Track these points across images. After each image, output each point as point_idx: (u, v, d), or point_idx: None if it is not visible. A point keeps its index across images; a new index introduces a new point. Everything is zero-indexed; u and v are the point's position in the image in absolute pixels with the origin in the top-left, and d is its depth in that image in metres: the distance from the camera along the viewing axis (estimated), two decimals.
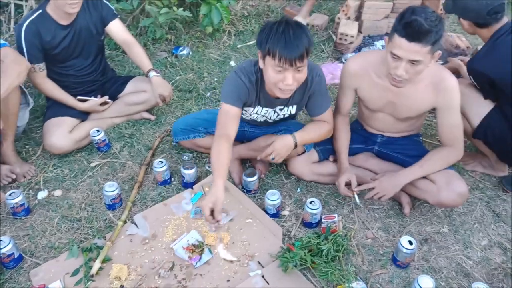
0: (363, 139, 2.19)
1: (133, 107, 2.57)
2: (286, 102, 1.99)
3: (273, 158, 1.98)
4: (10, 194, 1.98)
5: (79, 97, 2.43)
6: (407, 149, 2.10)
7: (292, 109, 2.05)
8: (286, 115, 2.08)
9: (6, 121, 2.09)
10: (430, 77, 1.85)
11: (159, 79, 2.47)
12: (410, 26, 1.63)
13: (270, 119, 2.09)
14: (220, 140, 1.84)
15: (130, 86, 2.57)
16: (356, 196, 1.99)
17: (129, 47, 2.49)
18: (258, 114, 2.05)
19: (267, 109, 2.02)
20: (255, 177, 2.11)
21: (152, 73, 2.45)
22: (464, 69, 2.27)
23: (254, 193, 2.16)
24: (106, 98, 2.49)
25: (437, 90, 1.85)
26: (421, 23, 1.61)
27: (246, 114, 2.07)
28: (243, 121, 2.17)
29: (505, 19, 2.00)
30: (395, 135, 2.13)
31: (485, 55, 2.01)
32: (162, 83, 2.47)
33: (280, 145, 1.95)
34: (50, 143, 2.26)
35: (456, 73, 2.25)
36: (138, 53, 2.48)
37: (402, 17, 1.68)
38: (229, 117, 1.88)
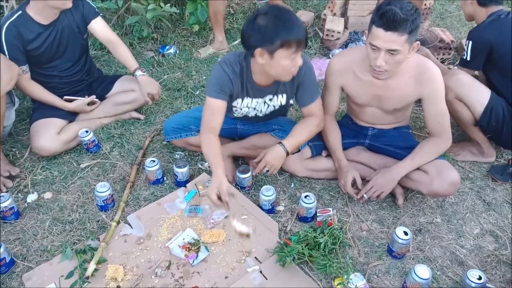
0: (354, 133, 2.21)
1: (121, 106, 2.53)
2: (275, 91, 1.98)
3: (268, 171, 1.98)
4: None
5: (66, 97, 2.38)
6: (397, 141, 2.13)
7: (282, 99, 2.02)
8: (277, 107, 2.05)
9: None
10: (413, 68, 1.90)
11: (146, 78, 2.44)
12: (386, 15, 1.69)
13: (261, 112, 2.07)
14: (206, 134, 1.87)
15: (117, 86, 2.53)
16: (364, 194, 2.00)
17: (113, 46, 2.45)
18: (248, 108, 2.03)
19: (257, 100, 2.00)
20: (249, 174, 2.11)
21: (139, 72, 2.43)
22: (432, 57, 2.41)
23: (248, 190, 2.15)
24: (93, 97, 2.45)
25: (421, 81, 1.90)
26: (395, 12, 1.67)
27: (236, 109, 2.05)
28: (235, 119, 2.17)
29: (500, 6, 2.19)
30: (385, 127, 2.16)
31: (490, 25, 2.16)
32: (149, 81, 2.45)
33: (271, 157, 1.94)
34: (38, 146, 2.22)
35: None
36: (123, 52, 2.45)
37: (378, 8, 1.74)
38: (214, 111, 1.89)
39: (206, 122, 1.90)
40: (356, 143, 2.21)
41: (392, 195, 2.08)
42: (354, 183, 2.02)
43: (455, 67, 2.33)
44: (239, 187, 2.14)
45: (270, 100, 2.02)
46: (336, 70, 2.03)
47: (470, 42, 2.20)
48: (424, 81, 1.90)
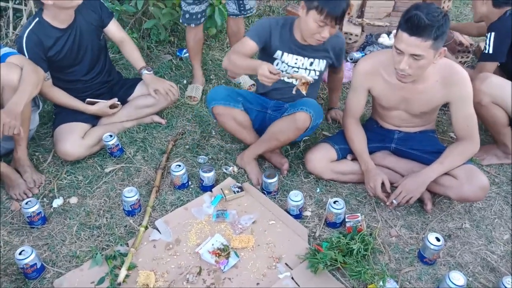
0: (380, 137, 2.20)
1: (143, 110, 2.53)
2: (316, 55, 2.15)
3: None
4: (26, 203, 1.93)
5: (88, 100, 2.38)
6: (424, 145, 2.12)
7: (322, 64, 2.19)
8: (317, 73, 2.19)
9: (21, 126, 2.03)
10: (440, 71, 1.91)
11: (151, 77, 2.46)
12: (411, 20, 1.70)
13: (303, 67, 2.16)
14: (234, 55, 2.04)
15: (138, 89, 2.53)
16: (394, 199, 1.98)
17: (123, 45, 2.48)
18: (288, 66, 2.14)
19: (297, 57, 2.14)
20: (275, 178, 2.10)
21: (144, 71, 2.45)
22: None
23: (274, 195, 2.14)
24: (115, 100, 2.44)
25: (449, 84, 1.90)
26: (421, 18, 1.68)
27: (278, 63, 2.14)
28: (266, 98, 2.24)
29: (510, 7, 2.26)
30: (412, 130, 2.15)
31: (511, 16, 2.21)
32: (155, 79, 2.46)
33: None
34: (63, 150, 2.21)
35: None
36: (131, 51, 2.49)
37: (406, 12, 1.75)
38: (244, 46, 2.07)
39: (235, 48, 2.10)
40: (382, 147, 2.20)
41: (420, 200, 2.07)
42: (382, 187, 2.01)
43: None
44: (265, 192, 2.13)
45: (311, 64, 2.16)
46: (364, 72, 2.03)
47: (493, 33, 2.23)
48: (452, 84, 1.90)
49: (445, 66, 1.91)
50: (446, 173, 1.97)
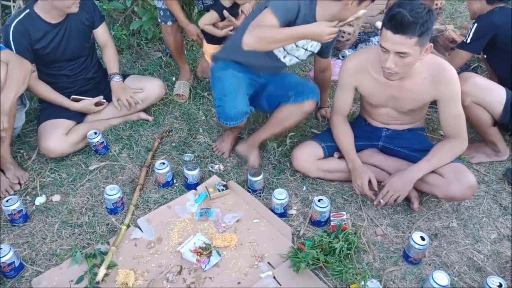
0: (367, 134, 2.17)
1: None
2: None
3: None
4: (7, 201, 1.90)
5: (73, 96, 2.35)
6: (412, 143, 2.09)
7: (316, 47, 2.14)
8: (309, 53, 2.16)
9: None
10: (429, 69, 1.88)
11: (118, 84, 2.43)
12: (394, 18, 1.67)
13: (299, 57, 2.14)
14: (255, 30, 1.81)
15: None
16: (381, 199, 1.95)
17: (105, 48, 2.47)
18: (297, 46, 2.07)
19: (307, 39, 1.99)
20: (261, 176, 2.07)
21: (113, 78, 2.42)
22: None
23: (260, 193, 2.11)
24: (100, 98, 2.41)
25: (437, 82, 1.88)
26: (404, 15, 1.65)
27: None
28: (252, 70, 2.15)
29: (503, 3, 2.27)
30: (400, 127, 2.12)
31: (498, 11, 2.21)
32: (120, 87, 2.43)
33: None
34: (46, 147, 2.19)
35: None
36: (109, 54, 2.47)
37: (389, 10, 1.72)
38: (265, 21, 1.82)
39: (257, 23, 1.84)
40: (369, 145, 2.17)
41: (407, 199, 2.03)
42: (369, 185, 1.98)
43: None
44: (250, 190, 2.11)
45: (311, 45, 2.11)
46: (351, 70, 2.01)
47: (475, 25, 2.24)
48: (440, 82, 1.87)
49: (433, 64, 1.88)
50: (433, 172, 1.94)
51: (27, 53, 2.13)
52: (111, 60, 2.45)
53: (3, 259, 1.67)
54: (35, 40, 2.15)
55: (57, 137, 2.20)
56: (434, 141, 2.27)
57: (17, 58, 2.04)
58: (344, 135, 2.09)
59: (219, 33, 2.40)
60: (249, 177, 2.07)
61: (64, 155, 2.25)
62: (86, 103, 2.37)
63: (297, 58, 2.14)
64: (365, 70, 1.98)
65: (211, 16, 2.39)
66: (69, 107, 2.33)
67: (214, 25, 2.40)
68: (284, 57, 2.10)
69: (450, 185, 1.87)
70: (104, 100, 2.43)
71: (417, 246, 1.73)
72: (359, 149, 2.13)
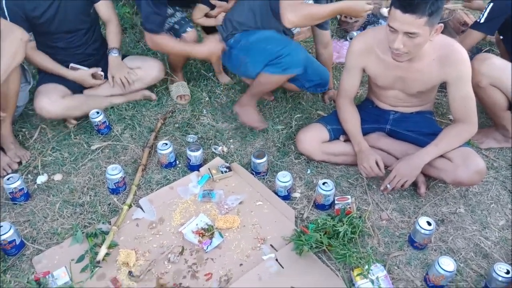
0: (374, 117, 2.12)
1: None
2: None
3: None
4: (8, 179, 1.89)
5: (71, 65, 2.31)
6: (420, 126, 2.04)
7: None
8: None
9: (6, 101, 1.97)
10: (438, 49, 1.82)
11: (114, 59, 2.37)
12: None
13: None
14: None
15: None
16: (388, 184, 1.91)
17: (108, 24, 2.40)
18: None
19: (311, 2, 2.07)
20: (264, 159, 2.03)
21: (112, 52, 2.36)
22: None
23: (263, 175, 2.08)
24: (98, 69, 2.36)
25: (446, 63, 1.82)
26: None
27: None
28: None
29: None
30: (408, 110, 2.07)
31: None
32: (117, 64, 2.37)
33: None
34: (41, 106, 2.16)
35: None
36: (111, 29, 2.39)
37: None
38: None
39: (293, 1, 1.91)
40: (377, 129, 2.12)
41: (414, 183, 1.99)
42: None
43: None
44: (254, 173, 2.07)
45: None
46: (357, 51, 1.95)
47: (491, 4, 2.14)
48: (449, 63, 1.81)
49: (443, 44, 1.82)
50: (441, 156, 1.89)
51: (22, 21, 2.07)
52: (111, 34, 2.39)
53: (3, 237, 1.65)
54: (29, 9, 2.10)
55: (53, 98, 2.18)
56: (442, 126, 2.21)
57: (7, 27, 1.93)
58: (351, 118, 2.05)
59: (213, 22, 2.38)
60: (253, 159, 2.04)
61: (57, 117, 2.23)
62: (82, 73, 2.32)
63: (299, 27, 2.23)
64: (372, 50, 1.92)
65: (200, 8, 2.36)
66: (65, 76, 2.29)
67: (206, 16, 2.37)
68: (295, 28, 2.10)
69: (458, 169, 1.82)
70: (102, 73, 2.38)
71: (423, 231, 1.70)
72: (365, 132, 2.09)
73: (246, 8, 2.14)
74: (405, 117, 2.08)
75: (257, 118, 2.27)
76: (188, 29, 2.35)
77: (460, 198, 1.99)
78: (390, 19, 1.68)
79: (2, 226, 1.68)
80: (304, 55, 2.09)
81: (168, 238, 1.77)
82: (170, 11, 2.33)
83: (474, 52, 2.64)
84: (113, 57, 2.36)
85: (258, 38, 2.08)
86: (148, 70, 2.45)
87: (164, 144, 2.08)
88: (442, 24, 1.71)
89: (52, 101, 2.18)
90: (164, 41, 2.17)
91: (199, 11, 2.37)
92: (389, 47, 1.76)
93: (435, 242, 1.80)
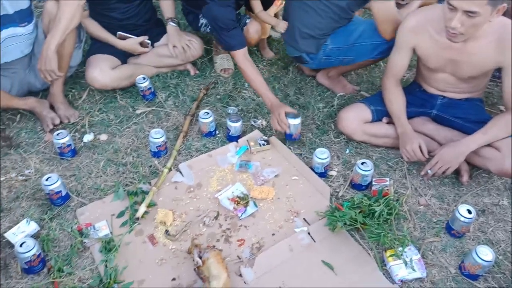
0: (421, 101, 2.06)
1: (163, 59, 2.49)
2: None
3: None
4: (57, 134, 1.98)
5: (119, 33, 2.37)
6: (468, 113, 1.96)
7: None
8: None
9: (60, 61, 2.06)
10: (495, 32, 1.72)
11: (174, 29, 2.41)
12: None
13: None
14: None
15: (165, 38, 2.49)
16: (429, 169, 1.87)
17: None
18: None
19: None
20: (299, 120, 2.02)
21: (170, 22, 2.41)
22: None
23: (295, 138, 2.08)
24: (145, 38, 2.41)
25: (504, 47, 1.72)
26: None
27: None
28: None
29: None
30: (457, 96, 1.99)
31: None
32: (175, 33, 2.41)
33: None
34: (92, 76, 2.25)
35: None
36: (166, 0, 2.44)
37: None
38: None
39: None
40: (422, 113, 2.06)
41: (456, 171, 1.93)
42: None
43: None
44: (285, 135, 2.08)
45: None
46: (409, 29, 1.88)
47: None
48: (506, 47, 1.71)
49: (502, 26, 1.72)
50: (488, 145, 1.82)
51: None
52: (167, 4, 2.44)
53: (51, 187, 1.75)
54: None
55: (103, 69, 2.26)
56: (493, 116, 2.12)
57: None
58: (396, 99, 2.00)
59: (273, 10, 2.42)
60: (288, 119, 2.01)
61: (107, 87, 2.31)
62: (131, 41, 2.38)
63: None
64: (425, 29, 1.84)
65: (269, 19, 2.36)
66: (115, 45, 2.36)
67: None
68: None
69: (505, 159, 1.75)
70: (149, 41, 2.43)
71: (462, 218, 1.65)
72: (410, 116, 2.03)
73: (312, 15, 2.14)
74: (453, 103, 2.01)
75: (349, 85, 2.43)
76: (247, 20, 2.39)
77: (504, 190, 1.91)
78: None
79: (50, 177, 1.77)
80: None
81: (204, 203, 1.82)
82: None
83: None
84: (172, 27, 2.41)
85: (354, 37, 2.16)
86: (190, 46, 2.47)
87: (206, 113, 2.11)
88: (505, 4, 1.62)
89: (102, 72, 2.26)
90: None
91: (256, 4, 2.35)
92: (445, 26, 1.68)
93: (473, 232, 1.75)
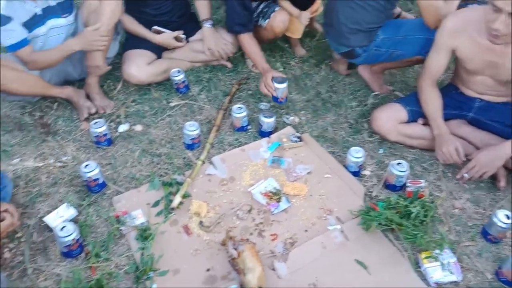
0: (457, 104, 2.03)
1: (197, 54, 2.51)
2: None
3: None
4: (95, 123, 2.02)
5: (154, 28, 2.39)
6: (506, 118, 1.92)
7: None
8: None
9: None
10: None
11: (209, 31, 2.41)
12: None
13: None
14: None
15: (199, 34, 2.51)
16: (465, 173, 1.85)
17: None
18: None
19: None
20: (285, 84, 2.11)
21: (205, 24, 2.41)
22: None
23: (282, 102, 2.17)
24: (180, 32, 2.43)
25: None
26: None
27: None
28: None
29: None
30: (495, 99, 1.96)
31: None
32: (212, 35, 2.41)
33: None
34: (129, 71, 2.28)
35: None
36: (202, 1, 2.44)
37: None
38: None
39: None
40: (458, 115, 2.03)
41: (492, 176, 1.90)
42: None
43: None
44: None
45: None
46: (450, 29, 1.85)
47: None
48: None
49: None
50: None
51: None
52: (202, 5, 2.44)
53: (89, 174, 1.79)
54: None
55: (140, 64, 2.29)
56: None
57: None
58: (433, 100, 1.97)
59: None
60: (274, 83, 2.10)
61: (143, 83, 2.34)
62: (166, 36, 2.40)
63: None
64: (465, 31, 1.81)
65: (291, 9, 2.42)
66: (150, 39, 2.38)
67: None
68: None
69: None
70: (184, 36, 2.45)
71: (500, 223, 1.62)
72: (445, 119, 1.99)
73: (359, 11, 2.14)
74: (491, 106, 1.97)
75: (385, 86, 2.42)
76: (277, 8, 2.38)
77: None
78: None
79: (89, 164, 1.81)
80: None
81: (237, 196, 1.83)
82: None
83: None
84: (208, 28, 2.42)
85: (406, 29, 2.17)
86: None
87: (239, 108, 2.12)
88: None
89: (139, 68, 2.29)
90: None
91: (290, 9, 2.40)
92: (488, 27, 1.65)
93: (510, 238, 1.71)
